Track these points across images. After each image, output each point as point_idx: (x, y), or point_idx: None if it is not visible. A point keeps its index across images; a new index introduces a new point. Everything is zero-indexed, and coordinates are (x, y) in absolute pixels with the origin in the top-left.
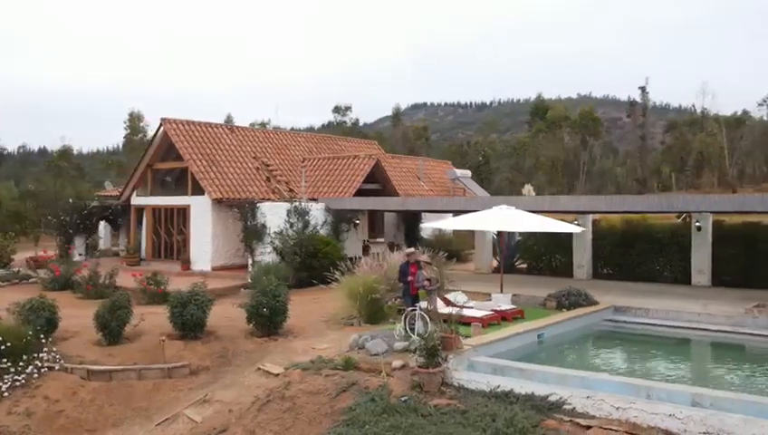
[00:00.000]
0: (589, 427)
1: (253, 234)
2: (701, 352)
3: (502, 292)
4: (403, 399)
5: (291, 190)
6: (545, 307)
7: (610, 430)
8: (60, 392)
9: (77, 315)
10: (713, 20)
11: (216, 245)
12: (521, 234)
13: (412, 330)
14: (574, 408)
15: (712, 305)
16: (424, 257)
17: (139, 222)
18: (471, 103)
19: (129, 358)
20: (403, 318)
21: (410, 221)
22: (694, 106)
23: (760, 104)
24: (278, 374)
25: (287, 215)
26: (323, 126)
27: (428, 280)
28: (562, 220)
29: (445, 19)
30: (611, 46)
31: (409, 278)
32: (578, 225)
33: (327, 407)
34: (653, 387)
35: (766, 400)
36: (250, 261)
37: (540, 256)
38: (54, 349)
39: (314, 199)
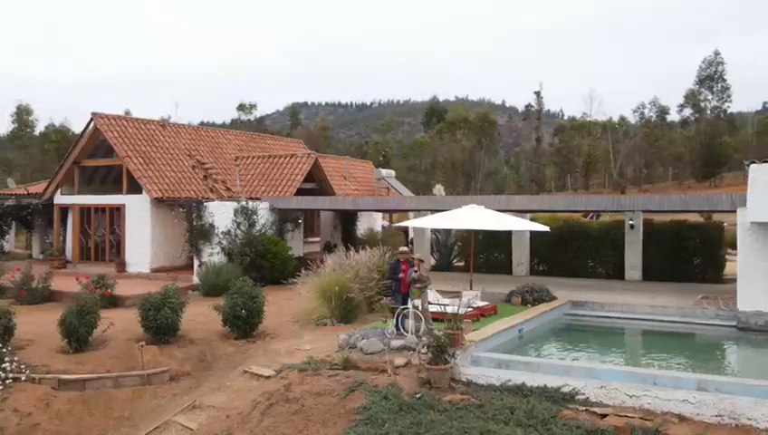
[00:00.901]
0: (605, 415)
1: (200, 234)
2: (662, 341)
3: (471, 289)
4: (417, 396)
5: (228, 189)
6: (511, 303)
7: (626, 416)
8: (31, 405)
9: (22, 322)
10: (597, 29)
11: (156, 246)
12: (457, 232)
13: (398, 327)
14: (588, 398)
15: (659, 298)
16: (417, 256)
17: (63, 222)
18: (351, 104)
19: (101, 365)
20: (396, 316)
21: (347, 221)
22: (586, 113)
23: (634, 111)
24: (269, 377)
25: (234, 214)
26: (225, 124)
27: (419, 278)
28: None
29: (319, 22)
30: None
31: (401, 276)
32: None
33: (338, 407)
34: (659, 375)
35: (756, 381)
36: (197, 262)
37: (477, 253)
38: (16, 358)
39: (257, 199)
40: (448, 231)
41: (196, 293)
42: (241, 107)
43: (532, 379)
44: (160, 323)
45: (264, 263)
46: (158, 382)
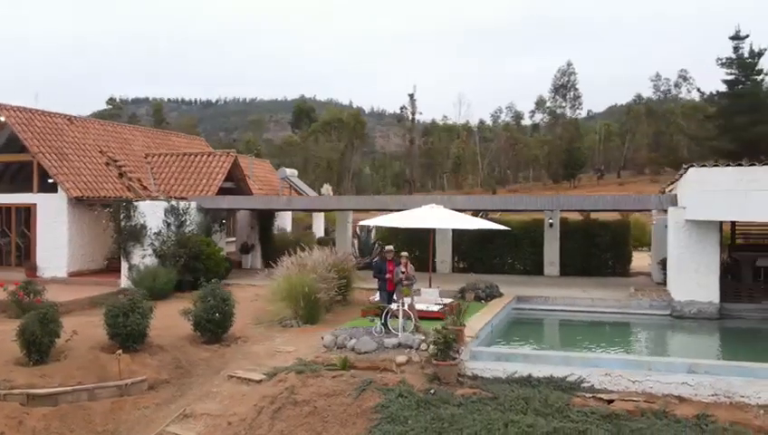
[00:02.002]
0: (611, 401)
1: (130, 235)
2: (613, 330)
3: (430, 286)
4: (431, 391)
5: (145, 188)
6: (465, 299)
7: (631, 401)
8: (2, 423)
9: None
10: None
11: (74, 248)
12: (377, 231)
13: (385, 325)
14: (592, 385)
15: (592, 292)
16: (404, 254)
17: None
18: (196, 100)
19: (70, 377)
20: (384, 315)
21: (265, 220)
22: (446, 116)
23: (492, 114)
24: (260, 381)
25: (165, 215)
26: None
27: (407, 277)
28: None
29: (166, 20)
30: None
31: (387, 275)
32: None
33: (354, 407)
34: (652, 361)
35: (750, 364)
36: (125, 265)
37: (397, 252)
38: None
39: (183, 198)
40: (369, 231)
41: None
42: (111, 101)
43: (538, 370)
44: (131, 330)
45: (198, 265)
46: (136, 392)
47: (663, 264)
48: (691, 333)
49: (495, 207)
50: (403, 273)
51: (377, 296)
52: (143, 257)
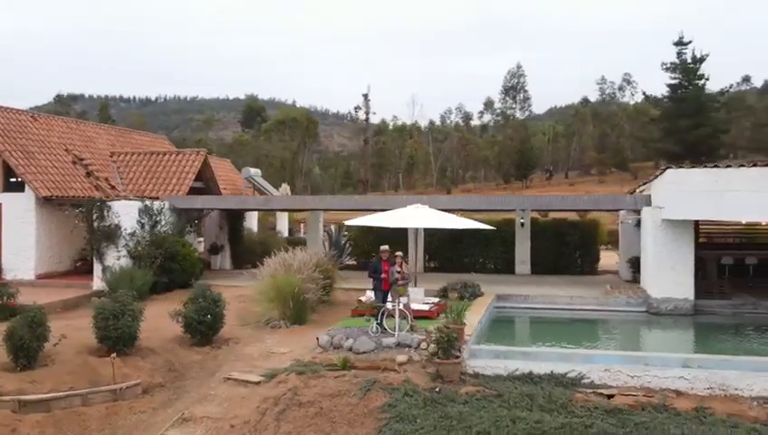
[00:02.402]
0: (611, 396)
1: (104, 236)
2: (595, 326)
3: (415, 286)
4: (436, 390)
5: (113, 187)
6: (448, 298)
7: (630, 395)
8: None
9: None
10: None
11: (42, 249)
12: (348, 230)
13: (381, 325)
14: (593, 381)
15: (569, 290)
16: (399, 253)
17: None
18: (134, 98)
19: (61, 383)
20: (380, 314)
21: (234, 221)
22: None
23: (442, 115)
24: (259, 382)
25: (139, 215)
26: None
27: (402, 276)
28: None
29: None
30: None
31: (383, 275)
32: None
33: (361, 407)
34: (648, 356)
35: (743, 358)
36: (99, 266)
37: (369, 252)
38: None
39: (156, 198)
40: (340, 229)
41: (103, 300)
42: (59, 98)
43: (539, 367)
44: (122, 333)
45: (174, 266)
46: (130, 396)
47: (632, 262)
48: (671, 329)
49: (477, 207)
50: (399, 272)
51: (366, 296)
52: (118, 259)
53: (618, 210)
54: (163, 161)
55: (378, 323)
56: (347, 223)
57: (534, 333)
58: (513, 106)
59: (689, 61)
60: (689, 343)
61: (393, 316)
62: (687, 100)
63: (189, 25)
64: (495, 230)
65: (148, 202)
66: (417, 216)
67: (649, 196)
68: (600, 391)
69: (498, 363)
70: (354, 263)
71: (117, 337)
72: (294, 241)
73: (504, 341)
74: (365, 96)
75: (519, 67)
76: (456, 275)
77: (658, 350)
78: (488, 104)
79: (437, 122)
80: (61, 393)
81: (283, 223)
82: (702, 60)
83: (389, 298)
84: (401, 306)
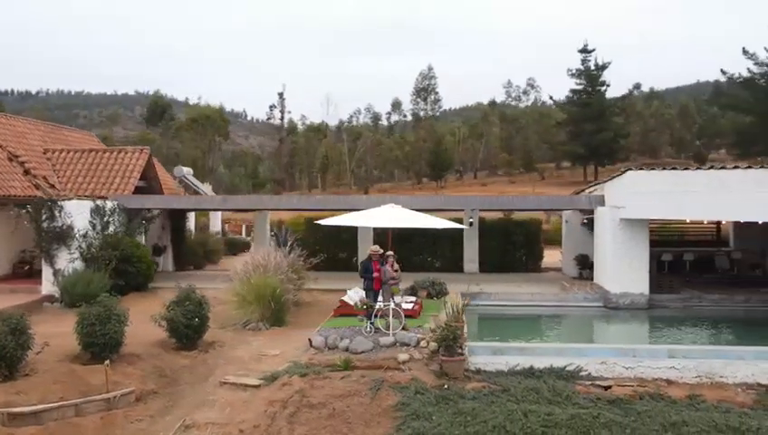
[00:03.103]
0: (608, 387)
1: (55, 238)
2: (561, 321)
3: None
4: (445, 387)
5: (52, 186)
6: (418, 296)
7: (625, 385)
8: None
9: None
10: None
11: None
12: (295, 230)
13: (373, 324)
14: (590, 373)
15: (526, 287)
16: (390, 253)
17: None
18: (12, 91)
19: (49, 393)
20: (373, 314)
21: (177, 221)
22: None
23: (351, 115)
24: (258, 386)
25: (91, 215)
26: None
27: (393, 277)
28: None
29: None
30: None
31: (375, 275)
32: None
33: (374, 407)
34: (636, 349)
35: (725, 347)
36: (49, 270)
37: (317, 251)
38: None
39: (103, 197)
40: (287, 229)
41: (55, 305)
42: None
43: (539, 361)
44: (109, 339)
45: (129, 268)
46: (124, 405)
47: (579, 260)
48: (626, 321)
49: (446, 207)
50: (395, 271)
51: (348, 296)
52: (70, 261)
53: (571, 210)
54: (104, 159)
55: (370, 323)
56: (319, 222)
57: (508, 329)
58: (425, 107)
59: (593, 68)
60: (655, 335)
61: (385, 316)
62: (592, 105)
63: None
64: (444, 229)
65: (99, 202)
66: (391, 215)
67: (603, 196)
68: (597, 382)
69: (499, 359)
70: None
71: (104, 343)
72: (233, 242)
73: (486, 338)
74: (280, 95)
75: (430, 69)
76: (410, 275)
77: (628, 342)
78: (396, 105)
79: (347, 122)
80: (53, 404)
81: (215, 222)
82: (604, 67)
83: (380, 298)
84: (393, 305)
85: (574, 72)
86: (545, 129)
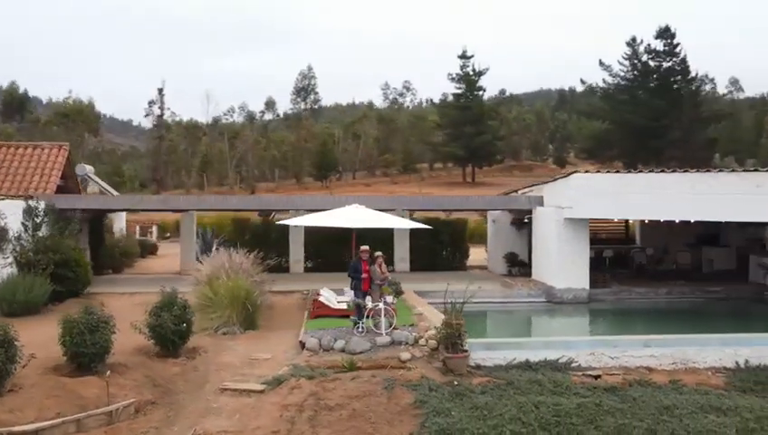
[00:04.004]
0: (598, 376)
1: None
2: (514, 316)
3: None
4: (455, 383)
5: None
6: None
7: (612, 374)
8: None
9: None
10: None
11: None
12: (220, 232)
13: (356, 324)
14: (580, 364)
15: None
16: (379, 253)
17: None
18: None
19: (44, 409)
20: (365, 314)
21: (95, 222)
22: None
23: (225, 113)
24: (263, 390)
25: (23, 216)
26: None
27: (383, 276)
28: None
29: None
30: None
31: (364, 275)
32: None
33: (392, 406)
34: (617, 340)
35: (694, 336)
36: None
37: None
38: None
39: (30, 197)
40: (213, 232)
41: None
42: None
43: (534, 355)
44: (99, 348)
45: (68, 273)
46: (125, 417)
47: (508, 257)
48: (570, 315)
49: (388, 207)
50: (384, 272)
51: (323, 296)
52: (4, 267)
53: (501, 210)
54: (17, 156)
55: (362, 323)
56: (282, 222)
57: (471, 325)
58: (306, 108)
59: (471, 73)
60: (604, 326)
61: (377, 316)
62: (471, 109)
63: None
64: (374, 229)
65: (31, 202)
66: (356, 216)
67: (541, 197)
68: (588, 372)
69: (497, 354)
70: None
71: (94, 353)
72: (141, 244)
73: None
74: (160, 90)
75: (310, 69)
76: (337, 275)
77: (586, 333)
78: (269, 104)
79: (222, 121)
80: (54, 421)
81: (120, 224)
82: (482, 73)
83: (369, 297)
84: (384, 305)
85: (454, 76)
86: (421, 130)
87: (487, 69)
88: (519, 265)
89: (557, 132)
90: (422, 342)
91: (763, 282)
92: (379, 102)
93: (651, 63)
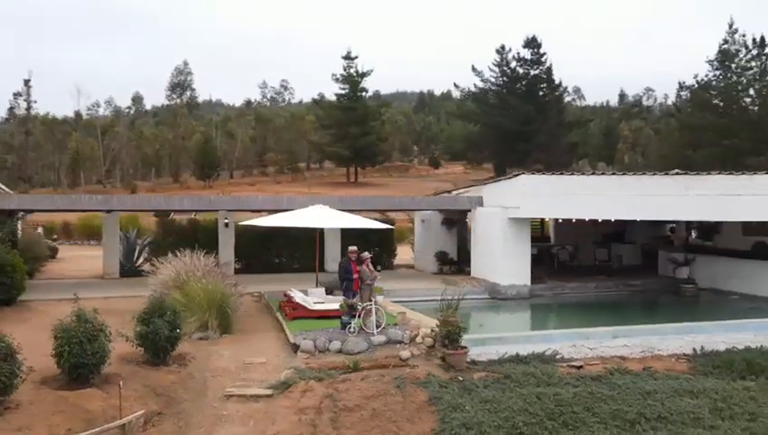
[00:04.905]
0: (580, 366)
1: None
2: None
3: (316, 286)
4: (460, 379)
5: None
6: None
7: (593, 365)
8: None
9: None
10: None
11: None
12: (146, 234)
13: (345, 325)
14: (563, 356)
15: (415, 283)
16: (366, 254)
17: None
18: None
19: (54, 426)
20: (358, 314)
21: (7, 224)
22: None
23: (90, 108)
24: (271, 395)
25: None
26: None
27: (372, 277)
28: None
29: None
30: None
31: (354, 276)
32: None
33: (409, 403)
34: (590, 332)
35: (656, 326)
36: None
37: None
38: None
39: None
40: (136, 235)
41: None
42: None
43: (523, 348)
44: (99, 358)
45: (3, 279)
46: (137, 430)
47: (439, 256)
48: (513, 310)
49: (358, 207)
50: (374, 272)
51: (300, 297)
52: None
53: (432, 210)
54: None
55: (358, 322)
56: (247, 223)
57: None
58: (183, 106)
59: (355, 75)
60: (550, 319)
61: (368, 315)
62: (356, 109)
63: None
64: (304, 231)
65: None
66: (321, 216)
67: (481, 197)
68: (572, 363)
69: (489, 349)
70: (148, 268)
71: (94, 363)
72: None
73: None
74: (26, 81)
75: (186, 64)
76: (271, 277)
77: (527, 328)
78: (136, 99)
79: (87, 115)
80: None
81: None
82: (365, 75)
83: (358, 298)
84: (374, 305)
85: (338, 77)
86: (299, 130)
87: (371, 70)
88: (449, 264)
89: (422, 134)
90: (419, 340)
91: (672, 275)
92: (258, 100)
93: (520, 70)
